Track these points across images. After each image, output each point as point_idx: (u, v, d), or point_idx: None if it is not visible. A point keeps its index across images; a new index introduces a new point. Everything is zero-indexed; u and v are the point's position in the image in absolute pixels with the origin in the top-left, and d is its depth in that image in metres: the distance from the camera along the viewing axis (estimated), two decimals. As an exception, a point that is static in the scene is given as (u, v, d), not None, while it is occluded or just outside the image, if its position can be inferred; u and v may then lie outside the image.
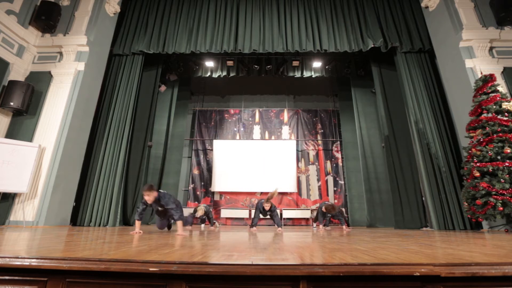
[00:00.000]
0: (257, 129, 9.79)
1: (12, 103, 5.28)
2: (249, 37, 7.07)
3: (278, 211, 5.62)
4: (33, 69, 6.04)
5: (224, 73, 8.36)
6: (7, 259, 1.26)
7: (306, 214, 8.71)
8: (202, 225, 6.38)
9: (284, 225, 8.51)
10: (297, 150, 9.45)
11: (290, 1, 7.50)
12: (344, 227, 5.80)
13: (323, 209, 5.65)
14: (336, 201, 8.89)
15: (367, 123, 8.21)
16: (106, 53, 7.00)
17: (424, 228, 5.97)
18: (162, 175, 8.09)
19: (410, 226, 6.12)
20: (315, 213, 8.64)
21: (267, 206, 5.27)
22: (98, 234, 3.26)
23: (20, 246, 1.84)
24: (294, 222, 8.71)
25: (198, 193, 9.14)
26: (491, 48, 5.90)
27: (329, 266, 1.18)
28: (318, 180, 9.16)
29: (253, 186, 8.98)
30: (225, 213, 8.75)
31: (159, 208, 3.81)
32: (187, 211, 6.59)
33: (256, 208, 5.47)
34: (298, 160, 9.36)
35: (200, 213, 5.63)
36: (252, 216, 6.17)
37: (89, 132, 6.38)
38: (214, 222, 6.27)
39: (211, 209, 6.21)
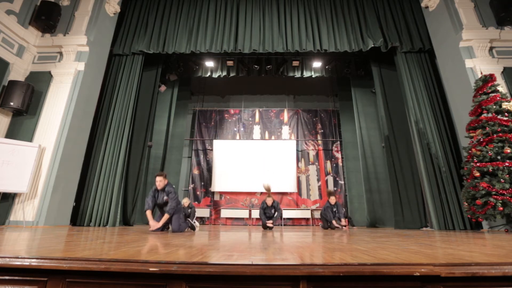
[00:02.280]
0: (257, 129, 9.79)
1: (12, 103, 5.28)
2: (249, 37, 7.07)
3: (281, 211, 5.93)
4: (33, 69, 6.04)
5: (224, 73, 8.36)
6: (7, 259, 1.26)
7: (306, 214, 8.71)
8: (197, 223, 6.42)
9: (284, 225, 8.51)
10: (297, 150, 9.46)
11: (290, 1, 7.50)
12: (340, 222, 5.87)
13: (328, 198, 5.81)
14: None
15: (367, 123, 8.22)
16: (106, 53, 7.00)
17: (424, 228, 5.97)
18: (162, 175, 8.09)
19: (410, 226, 6.12)
20: (315, 213, 8.67)
21: (269, 201, 5.50)
22: (98, 234, 3.26)
23: (20, 246, 1.84)
24: (294, 222, 8.72)
25: (198, 193, 9.14)
26: (491, 48, 5.90)
27: (329, 266, 1.18)
28: (318, 180, 9.16)
29: (253, 186, 8.98)
30: (225, 213, 8.75)
31: (163, 199, 4.08)
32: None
33: (260, 208, 5.75)
34: (298, 160, 9.36)
35: (184, 201, 6.19)
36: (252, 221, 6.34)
37: (89, 132, 6.38)
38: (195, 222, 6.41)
39: (195, 208, 6.50)
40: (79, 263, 1.23)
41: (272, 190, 8.86)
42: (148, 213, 4.04)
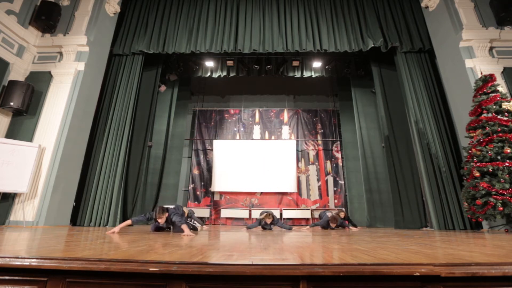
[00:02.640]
0: (257, 129, 9.79)
1: (12, 103, 5.27)
2: (249, 37, 7.06)
3: (281, 221, 5.93)
4: (33, 69, 6.04)
5: (224, 73, 8.36)
6: (7, 259, 1.26)
7: (306, 214, 8.71)
8: (198, 224, 6.45)
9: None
10: (297, 150, 9.45)
11: (290, 1, 7.50)
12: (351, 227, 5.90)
13: (329, 221, 5.71)
14: (336, 201, 8.89)
15: (367, 123, 8.21)
16: (106, 53, 7.00)
17: (424, 228, 5.97)
18: (162, 175, 8.09)
19: (410, 226, 6.12)
20: (315, 213, 8.67)
21: (268, 221, 5.46)
22: (98, 234, 3.27)
23: (20, 246, 1.84)
24: (294, 222, 8.71)
25: (198, 193, 9.13)
26: (491, 48, 5.90)
27: (329, 266, 1.18)
28: (318, 180, 9.16)
29: (253, 186, 8.98)
30: (225, 213, 8.75)
31: (166, 225, 4.01)
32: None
33: (257, 221, 5.67)
34: (298, 160, 9.36)
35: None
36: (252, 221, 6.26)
37: (89, 132, 6.38)
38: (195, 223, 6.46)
39: (194, 214, 6.38)
40: (79, 263, 1.23)
41: (272, 190, 8.92)
42: (127, 222, 3.93)
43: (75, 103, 5.81)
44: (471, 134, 4.92)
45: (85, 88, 6.11)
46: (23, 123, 5.59)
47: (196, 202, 9.01)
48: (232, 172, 9.11)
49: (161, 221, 3.91)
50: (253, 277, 1.17)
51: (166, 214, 3.94)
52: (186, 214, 6.05)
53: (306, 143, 9.60)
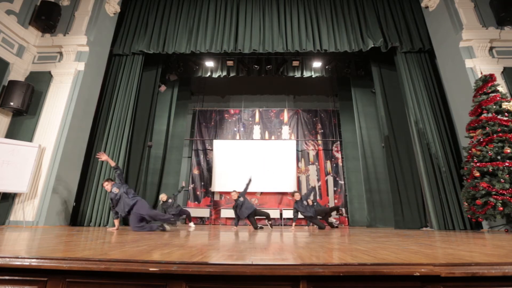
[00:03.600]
0: (257, 129, 9.79)
1: (12, 103, 5.27)
2: (249, 37, 7.06)
3: (252, 206, 5.95)
4: (33, 69, 6.04)
5: (224, 73, 8.36)
6: (7, 259, 1.26)
7: (306, 214, 8.70)
8: (191, 224, 6.51)
9: (284, 225, 8.51)
10: (297, 150, 9.46)
11: (290, 1, 7.49)
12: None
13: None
14: (336, 201, 8.89)
15: (367, 123, 8.21)
16: (106, 53, 7.00)
17: (424, 228, 5.97)
18: (162, 175, 8.10)
19: (410, 226, 6.12)
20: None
21: (235, 196, 5.78)
22: (98, 234, 3.27)
23: (20, 246, 1.84)
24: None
25: (198, 193, 9.14)
26: (491, 48, 5.90)
27: (329, 266, 1.18)
28: (318, 180, 9.16)
29: (253, 186, 8.92)
30: (225, 213, 8.75)
31: (121, 196, 4.39)
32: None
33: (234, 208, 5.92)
34: (298, 160, 9.36)
35: (162, 197, 6.35)
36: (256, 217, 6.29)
37: (89, 132, 6.38)
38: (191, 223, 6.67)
39: (181, 207, 6.42)
40: (79, 263, 1.23)
41: (272, 190, 8.92)
42: (116, 221, 4.62)
43: (75, 103, 5.80)
44: (471, 134, 4.92)
45: (85, 88, 6.11)
46: (23, 123, 5.59)
47: (196, 202, 9.01)
48: (232, 172, 9.11)
49: (106, 187, 4.49)
50: (253, 277, 1.17)
51: (112, 182, 4.53)
52: (165, 199, 6.25)
53: (306, 143, 9.60)
